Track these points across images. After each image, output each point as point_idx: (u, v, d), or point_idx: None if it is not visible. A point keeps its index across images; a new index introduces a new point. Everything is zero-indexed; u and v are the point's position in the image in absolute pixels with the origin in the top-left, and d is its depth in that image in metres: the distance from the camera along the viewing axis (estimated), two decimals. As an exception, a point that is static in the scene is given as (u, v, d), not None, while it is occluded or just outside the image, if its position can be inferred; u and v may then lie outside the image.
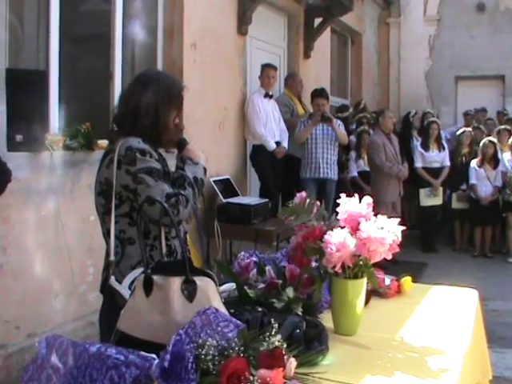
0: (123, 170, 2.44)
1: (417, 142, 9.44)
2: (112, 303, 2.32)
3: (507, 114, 10.95)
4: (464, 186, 9.32)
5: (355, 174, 9.04)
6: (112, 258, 2.47)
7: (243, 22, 6.95)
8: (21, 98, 3.97)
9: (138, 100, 2.55)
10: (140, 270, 2.29)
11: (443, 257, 8.94)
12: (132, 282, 2.29)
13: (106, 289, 2.43)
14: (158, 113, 2.56)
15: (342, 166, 8.79)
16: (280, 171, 7.32)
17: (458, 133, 9.74)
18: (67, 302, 4.44)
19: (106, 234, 2.57)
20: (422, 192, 9.17)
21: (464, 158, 9.42)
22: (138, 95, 2.57)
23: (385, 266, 2.50)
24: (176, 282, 1.87)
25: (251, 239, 5.89)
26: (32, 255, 4.15)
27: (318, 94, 7.58)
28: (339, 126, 7.54)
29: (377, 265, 2.27)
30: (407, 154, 8.98)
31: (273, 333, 1.75)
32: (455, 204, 9.41)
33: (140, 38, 5.75)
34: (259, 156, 7.07)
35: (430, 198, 9.16)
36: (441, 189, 9.22)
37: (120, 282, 2.35)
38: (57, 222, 4.32)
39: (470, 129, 9.74)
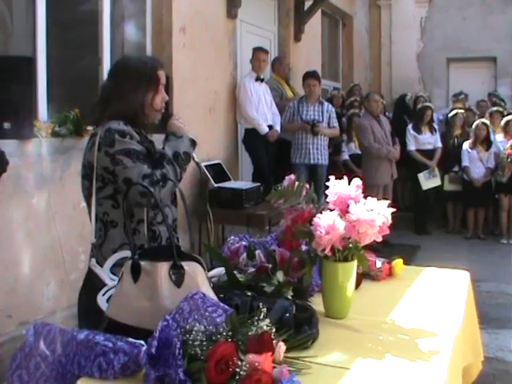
0: (103, 152, 2.44)
1: (409, 125, 9.39)
2: (91, 285, 2.34)
3: (498, 95, 10.94)
4: (456, 168, 9.31)
5: (347, 157, 8.99)
6: (93, 240, 2.48)
7: (233, 6, 6.88)
8: (8, 85, 3.93)
9: (111, 87, 2.57)
10: (122, 253, 2.30)
11: (436, 239, 8.96)
12: (114, 266, 2.29)
13: (87, 270, 2.44)
14: (131, 96, 2.54)
15: (338, 147, 8.74)
16: (273, 155, 7.29)
17: (451, 115, 9.71)
18: (59, 289, 4.42)
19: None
20: (421, 176, 9.10)
21: (456, 140, 9.40)
22: (111, 83, 2.59)
23: (377, 248, 2.50)
24: (164, 268, 1.87)
25: (243, 224, 5.88)
26: (23, 243, 4.13)
27: (310, 75, 7.51)
28: (331, 111, 7.51)
29: (369, 247, 2.25)
30: (401, 136, 8.95)
31: (261, 317, 1.74)
32: (448, 186, 9.39)
33: (129, 23, 5.70)
34: (252, 140, 7.03)
35: (430, 180, 9.11)
36: (437, 169, 9.19)
37: (102, 265, 2.35)
38: (47, 210, 4.29)
39: (462, 111, 9.72)
